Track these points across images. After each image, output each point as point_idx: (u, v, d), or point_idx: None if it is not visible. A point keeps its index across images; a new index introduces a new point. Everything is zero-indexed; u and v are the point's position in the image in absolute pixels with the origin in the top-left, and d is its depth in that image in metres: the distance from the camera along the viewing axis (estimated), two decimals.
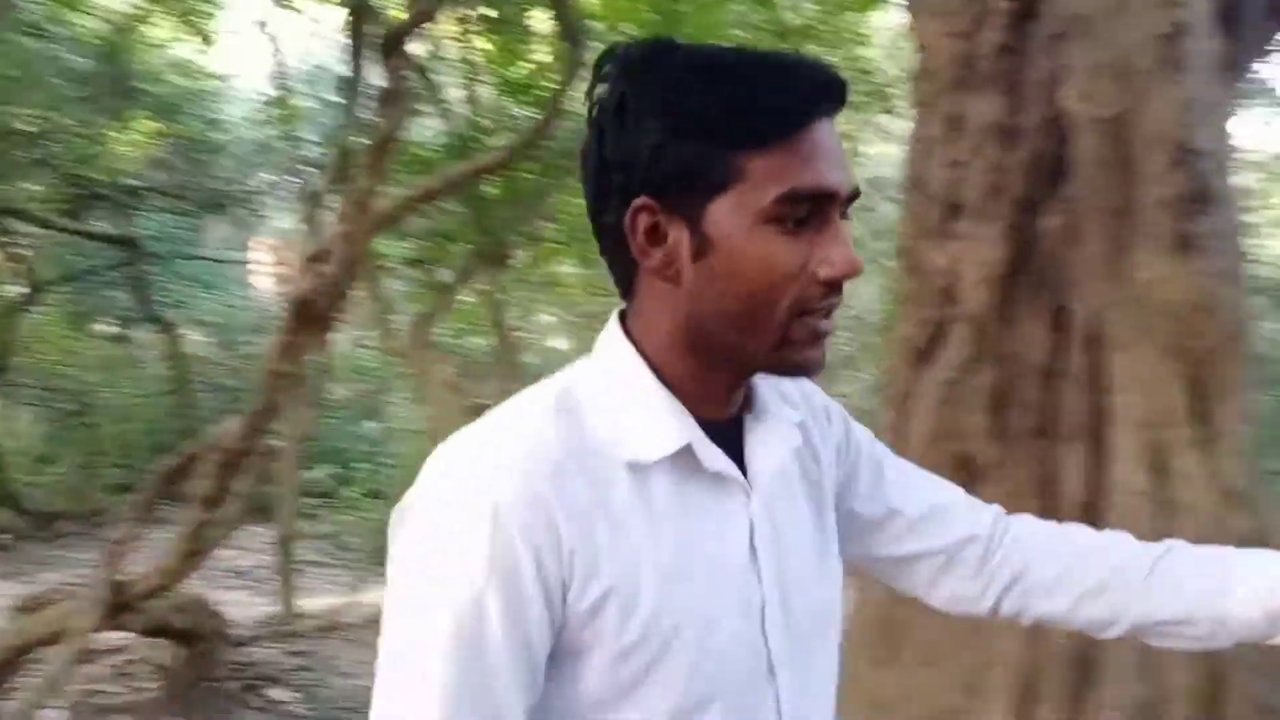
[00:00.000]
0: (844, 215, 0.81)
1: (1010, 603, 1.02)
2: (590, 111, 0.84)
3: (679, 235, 0.79)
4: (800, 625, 0.87)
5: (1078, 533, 1.05)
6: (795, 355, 0.82)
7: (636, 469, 0.80)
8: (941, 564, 1.02)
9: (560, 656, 0.78)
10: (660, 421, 0.82)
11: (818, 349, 0.82)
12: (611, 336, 0.87)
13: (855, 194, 0.81)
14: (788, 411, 0.92)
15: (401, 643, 0.75)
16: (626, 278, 0.86)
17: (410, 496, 0.79)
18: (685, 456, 0.82)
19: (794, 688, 0.86)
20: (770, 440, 0.88)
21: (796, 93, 0.78)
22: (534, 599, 0.74)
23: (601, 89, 0.82)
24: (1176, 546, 0.99)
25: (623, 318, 0.88)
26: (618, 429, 0.81)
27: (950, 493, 1.06)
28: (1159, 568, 0.98)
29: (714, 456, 0.83)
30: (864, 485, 1.01)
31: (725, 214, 0.78)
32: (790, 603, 0.87)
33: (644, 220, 0.80)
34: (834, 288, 0.79)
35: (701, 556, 0.82)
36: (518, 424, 0.81)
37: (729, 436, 0.86)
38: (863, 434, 1.03)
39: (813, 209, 0.78)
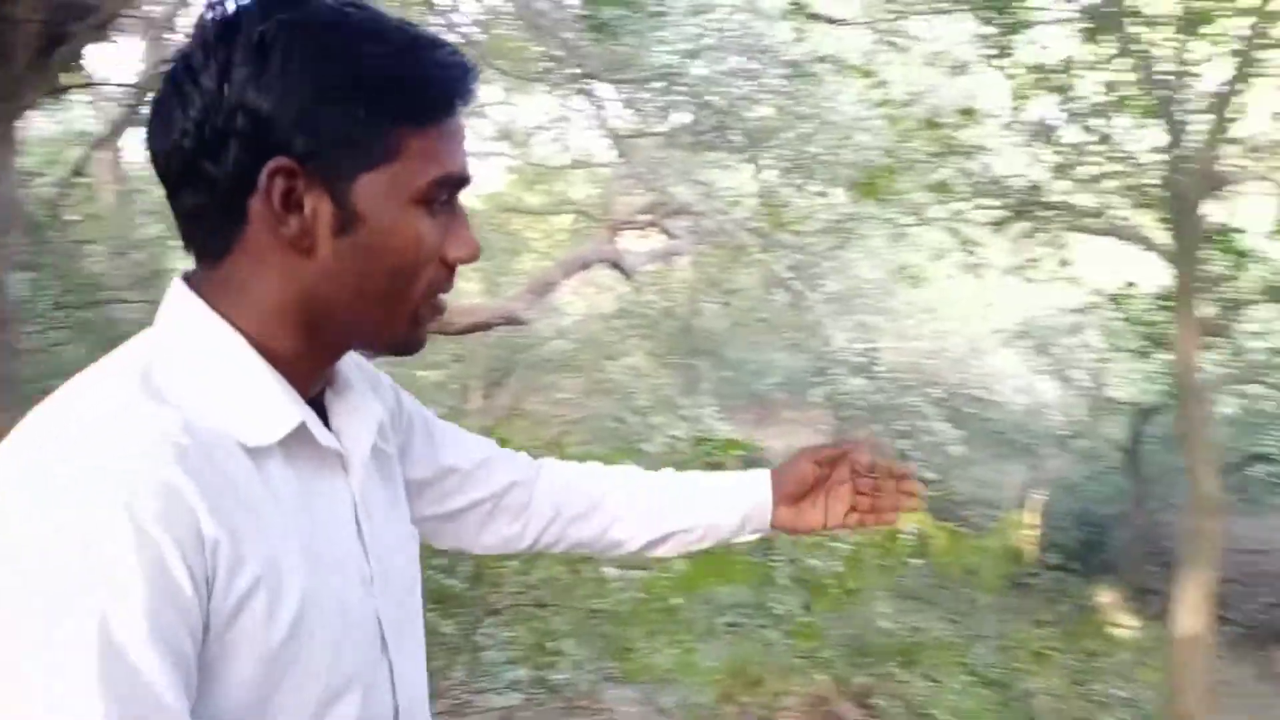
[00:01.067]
0: None
1: (549, 536, 1.13)
2: (205, 33, 0.72)
3: (318, 205, 0.74)
4: (398, 596, 0.86)
5: (596, 469, 1.18)
6: (417, 333, 0.82)
7: (254, 453, 0.74)
8: (488, 511, 1.09)
9: (204, 664, 0.67)
10: (270, 401, 0.76)
11: (427, 329, 0.83)
12: (187, 308, 0.77)
13: None
14: (360, 383, 0.89)
15: (32, 676, 0.60)
16: (222, 239, 0.76)
17: None
18: (294, 437, 0.77)
19: (400, 659, 0.84)
20: (356, 416, 0.86)
21: (454, 73, 0.76)
22: (185, 602, 0.65)
23: (220, 11, 0.72)
24: (670, 473, 1.19)
25: (190, 283, 0.78)
26: (223, 411, 0.73)
27: (490, 445, 1.12)
28: (664, 492, 1.16)
29: (326, 434, 0.80)
30: (418, 450, 1.02)
31: (377, 190, 0.75)
32: (390, 576, 0.85)
33: (280, 183, 0.73)
34: (454, 269, 0.80)
35: (325, 538, 0.78)
36: (117, 408, 0.69)
37: (319, 413, 0.82)
38: (409, 398, 1.03)
39: (450, 193, 0.79)
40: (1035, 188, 5.67)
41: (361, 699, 0.78)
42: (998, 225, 6.11)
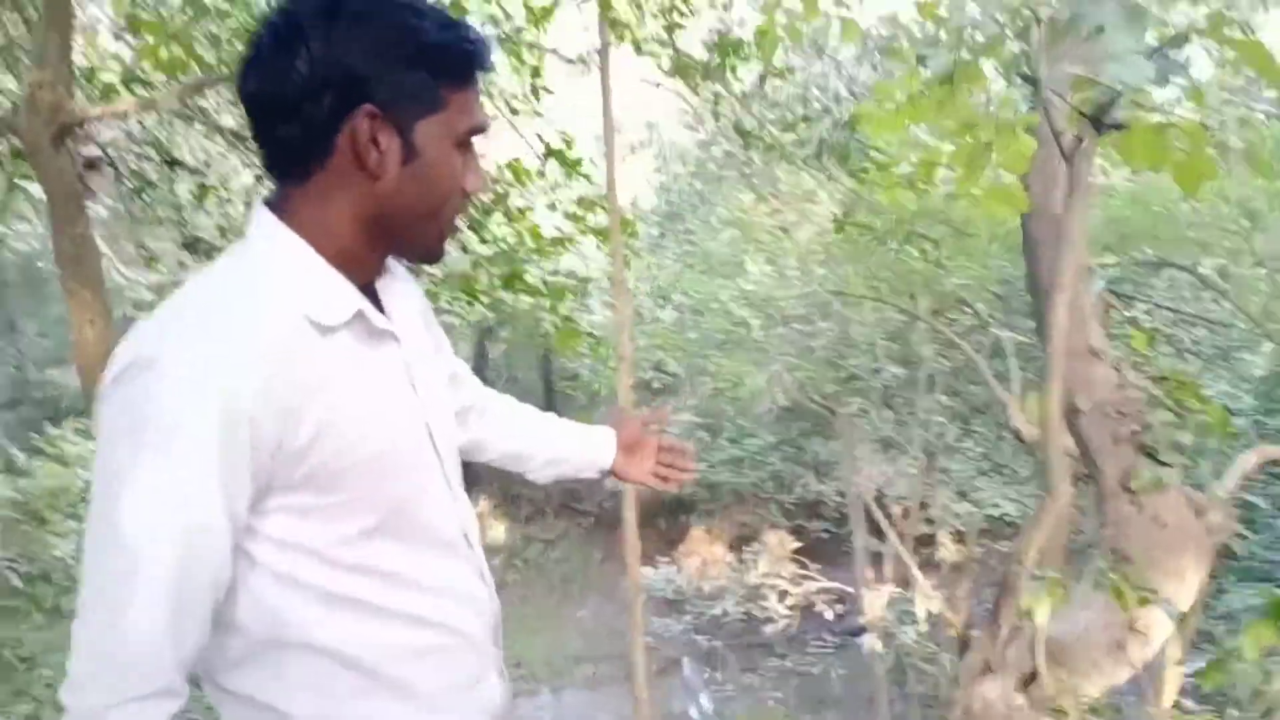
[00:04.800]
0: None
1: (488, 452, 1.52)
2: (313, 4, 1.01)
3: (391, 142, 1.04)
4: (448, 442, 1.20)
5: (512, 401, 1.57)
6: (441, 246, 1.15)
7: (323, 330, 1.03)
8: (462, 416, 1.41)
9: (285, 490, 1.01)
10: (334, 292, 1.06)
11: (446, 243, 1.16)
12: (266, 226, 1.07)
13: None
14: (404, 276, 1.21)
15: (138, 477, 0.94)
16: (307, 165, 1.05)
17: (130, 358, 0.96)
18: (355, 319, 1.07)
19: (459, 492, 1.20)
20: (401, 298, 1.18)
21: (482, 47, 1.08)
22: (248, 455, 0.96)
23: None
24: (548, 416, 1.61)
25: (270, 205, 1.08)
26: (301, 299, 1.03)
27: (462, 364, 1.46)
28: (555, 431, 1.59)
29: (378, 318, 1.10)
30: (434, 348, 1.30)
31: (431, 133, 1.06)
32: (443, 426, 1.18)
33: (367, 124, 1.02)
34: (468, 197, 1.14)
35: (380, 395, 1.09)
36: (223, 300, 1.00)
37: (370, 295, 1.12)
38: (428, 304, 1.32)
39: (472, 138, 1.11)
40: None
41: (434, 511, 1.16)
42: None
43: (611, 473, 1.59)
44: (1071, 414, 3.34)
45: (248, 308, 0.99)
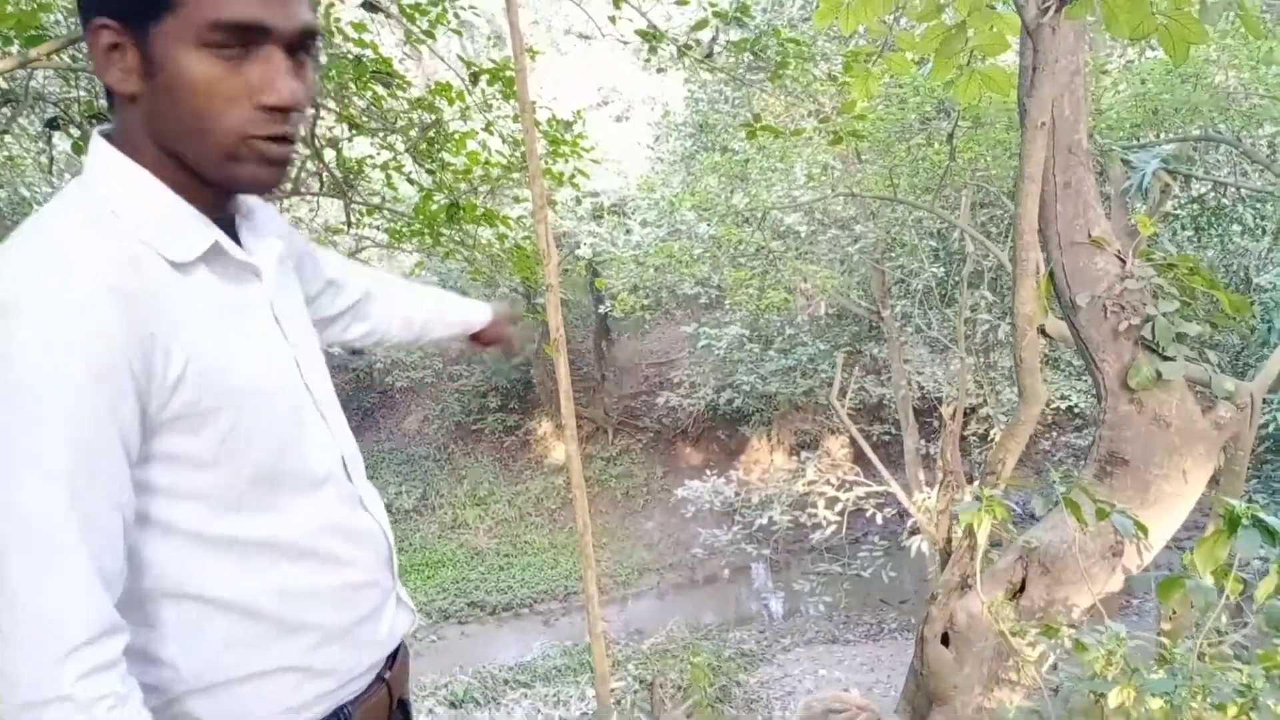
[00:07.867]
0: (303, 52, 0.94)
1: (387, 334, 1.51)
2: None
3: (132, 55, 0.89)
4: (318, 372, 1.12)
5: (400, 280, 1.58)
6: (242, 172, 0.94)
7: (179, 267, 0.94)
8: (352, 315, 1.44)
9: (161, 431, 0.92)
10: (186, 225, 0.95)
11: (266, 169, 0.95)
12: (104, 157, 0.95)
13: (307, 33, 0.93)
14: (263, 210, 1.10)
15: (12, 432, 0.83)
16: (108, 97, 0.95)
17: None
18: (212, 253, 0.97)
19: (335, 422, 1.12)
20: (263, 236, 1.08)
21: None
22: (127, 390, 0.87)
23: None
24: (430, 289, 1.65)
25: (108, 138, 0.96)
26: (154, 235, 0.92)
27: (343, 260, 1.46)
28: (439, 304, 1.62)
29: (237, 251, 1.00)
30: (308, 269, 1.29)
31: (167, 37, 0.88)
32: (309, 357, 1.10)
33: (104, 38, 0.89)
34: (278, 114, 0.93)
35: (245, 333, 1.00)
36: (70, 239, 0.88)
37: (229, 233, 1.02)
38: (294, 230, 1.25)
39: (249, 41, 0.90)
40: None
41: (312, 445, 1.06)
42: None
43: (471, 344, 1.70)
44: (1070, 309, 3.13)
45: (102, 249, 0.89)
